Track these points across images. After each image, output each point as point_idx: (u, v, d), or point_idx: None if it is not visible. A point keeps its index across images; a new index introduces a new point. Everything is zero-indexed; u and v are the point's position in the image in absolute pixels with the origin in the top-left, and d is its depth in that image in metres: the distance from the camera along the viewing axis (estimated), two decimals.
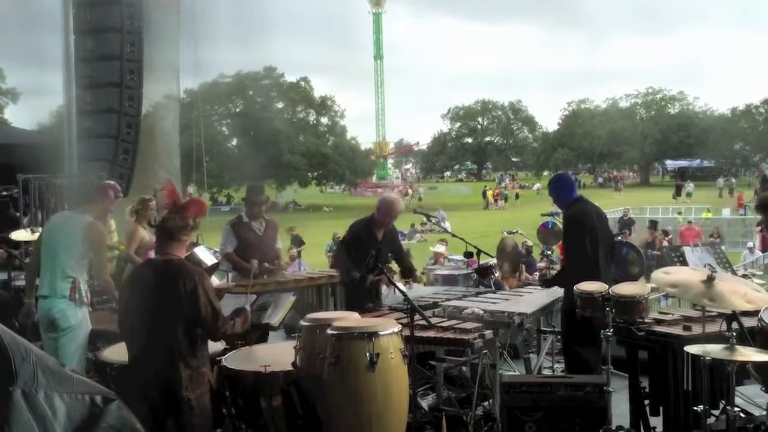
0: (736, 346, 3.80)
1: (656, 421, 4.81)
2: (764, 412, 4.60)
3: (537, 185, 54.23)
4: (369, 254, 5.20)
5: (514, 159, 77.82)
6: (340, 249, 6.81)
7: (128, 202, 7.64)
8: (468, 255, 7.09)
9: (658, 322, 4.96)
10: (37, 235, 6.39)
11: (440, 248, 13.45)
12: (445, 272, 8.03)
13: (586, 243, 5.49)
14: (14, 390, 2.30)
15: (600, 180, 64.93)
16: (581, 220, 5.60)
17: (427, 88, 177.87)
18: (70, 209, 6.57)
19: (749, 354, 3.82)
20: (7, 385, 2.30)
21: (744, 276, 6.18)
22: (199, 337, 3.91)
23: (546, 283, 6.24)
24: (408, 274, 7.10)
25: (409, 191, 49.73)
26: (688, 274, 4.52)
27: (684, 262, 6.37)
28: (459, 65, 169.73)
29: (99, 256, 5.41)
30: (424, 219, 8.61)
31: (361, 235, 6.22)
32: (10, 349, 2.35)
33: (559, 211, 6.34)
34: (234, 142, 50.79)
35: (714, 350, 3.86)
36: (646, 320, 4.82)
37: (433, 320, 4.94)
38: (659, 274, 4.67)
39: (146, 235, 7.00)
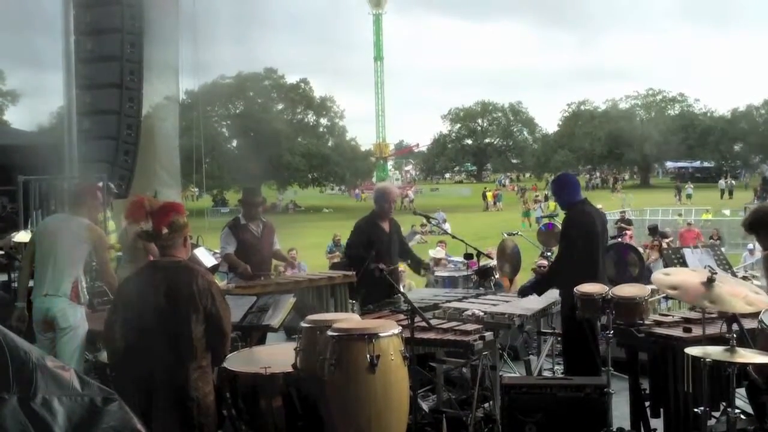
0: (737, 348, 3.80)
1: (657, 423, 4.81)
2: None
3: None
4: (382, 247, 5.18)
5: (514, 161, 77.77)
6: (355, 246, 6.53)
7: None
8: (468, 256, 7.08)
9: (658, 323, 4.95)
10: None
11: (439, 253, 13.31)
12: (446, 274, 8.03)
13: (578, 247, 5.40)
14: (10, 397, 2.27)
15: (597, 181, 64.77)
16: (578, 225, 5.52)
17: (427, 89, 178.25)
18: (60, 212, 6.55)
19: (749, 356, 3.82)
20: (4, 391, 2.28)
21: (744, 278, 6.18)
22: (209, 335, 3.91)
23: (522, 291, 5.86)
24: (418, 266, 7.06)
25: (409, 192, 49.69)
26: (688, 276, 4.51)
27: (684, 264, 6.36)
28: (459, 66, 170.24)
29: (102, 256, 5.42)
30: (424, 220, 8.60)
31: (370, 230, 6.25)
32: (9, 354, 2.32)
33: (557, 212, 6.30)
34: (234, 143, 50.79)
35: (714, 352, 3.85)
36: (646, 322, 4.81)
37: (434, 322, 4.93)
38: (659, 276, 4.66)
39: None
